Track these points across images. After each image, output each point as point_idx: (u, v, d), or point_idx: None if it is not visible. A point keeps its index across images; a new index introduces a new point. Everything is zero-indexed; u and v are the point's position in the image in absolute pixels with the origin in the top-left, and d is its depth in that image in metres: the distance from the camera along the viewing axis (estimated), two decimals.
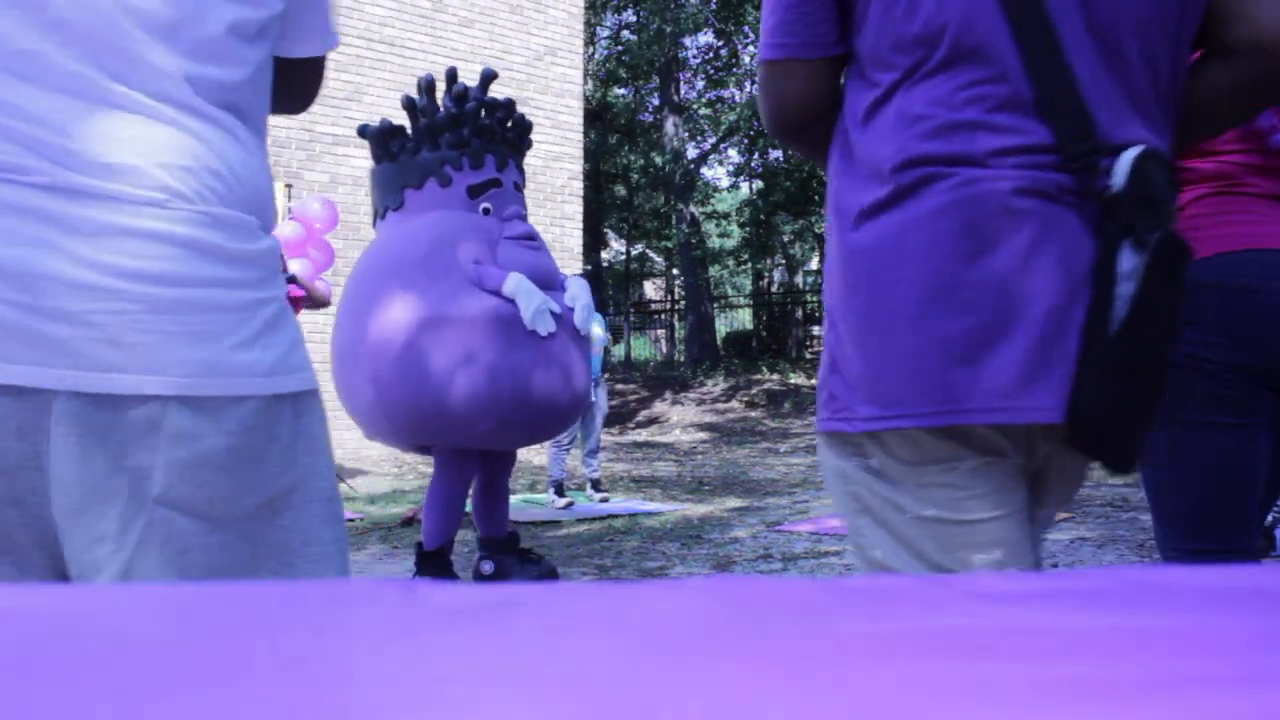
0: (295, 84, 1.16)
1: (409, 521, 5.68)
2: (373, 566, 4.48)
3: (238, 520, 0.93)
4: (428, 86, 3.82)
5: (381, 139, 3.81)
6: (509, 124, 3.93)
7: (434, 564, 3.86)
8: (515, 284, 3.62)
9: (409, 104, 3.81)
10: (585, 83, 14.43)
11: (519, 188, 3.96)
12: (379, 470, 8.86)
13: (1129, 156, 1.05)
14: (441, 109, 3.83)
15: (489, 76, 3.90)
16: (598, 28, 22.45)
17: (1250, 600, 0.39)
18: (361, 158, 9.63)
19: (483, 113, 3.84)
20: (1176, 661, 0.31)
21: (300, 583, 0.41)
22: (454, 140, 3.78)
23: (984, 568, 1.12)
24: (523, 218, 3.91)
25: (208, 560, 0.92)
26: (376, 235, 3.92)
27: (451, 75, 3.85)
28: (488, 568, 3.99)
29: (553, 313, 3.68)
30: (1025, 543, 1.15)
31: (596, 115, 20.57)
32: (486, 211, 3.81)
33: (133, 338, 0.88)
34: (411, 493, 7.25)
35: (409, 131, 3.84)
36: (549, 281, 3.84)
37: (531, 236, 3.87)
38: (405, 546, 4.96)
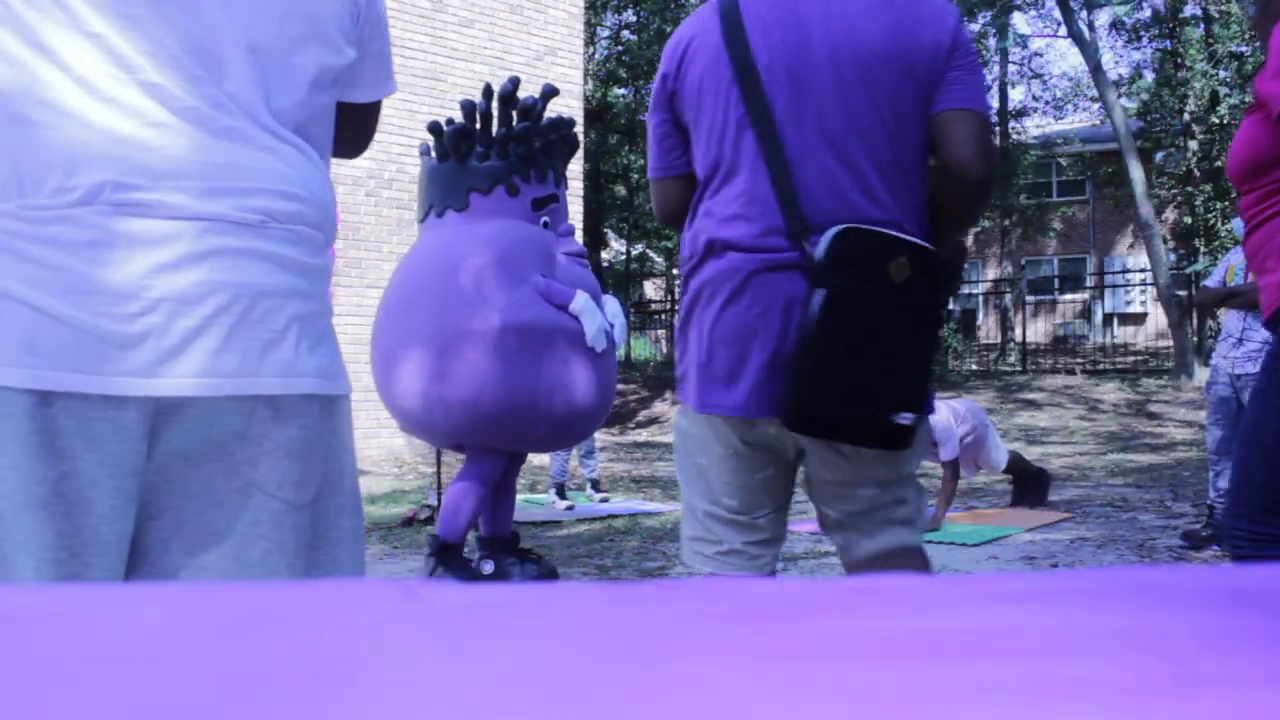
0: (355, 127, 1.29)
1: (409, 521, 5.68)
2: (373, 566, 4.48)
3: (305, 505, 1.07)
4: (504, 95, 3.87)
5: (456, 139, 3.85)
6: (567, 142, 4.01)
7: (455, 559, 3.88)
8: (583, 303, 3.77)
9: (483, 110, 3.84)
10: (585, 83, 14.43)
11: (565, 203, 4.07)
12: (379, 470, 8.86)
13: (829, 234, 1.57)
14: (509, 119, 3.89)
15: (550, 92, 3.96)
16: (598, 28, 22.45)
17: (1250, 600, 0.39)
18: (361, 157, 9.64)
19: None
20: (1176, 661, 0.31)
21: (301, 582, 0.41)
22: (524, 151, 3.84)
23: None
24: (574, 234, 4.03)
25: (282, 538, 1.05)
26: (429, 232, 3.95)
27: (514, 84, 3.90)
28: (488, 568, 3.99)
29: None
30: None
31: (596, 115, 20.57)
32: (545, 225, 3.91)
33: (233, 345, 1.01)
34: (411, 493, 7.25)
35: (476, 135, 3.89)
36: (595, 299, 3.96)
37: (583, 254, 4.02)
38: (405, 546, 4.96)
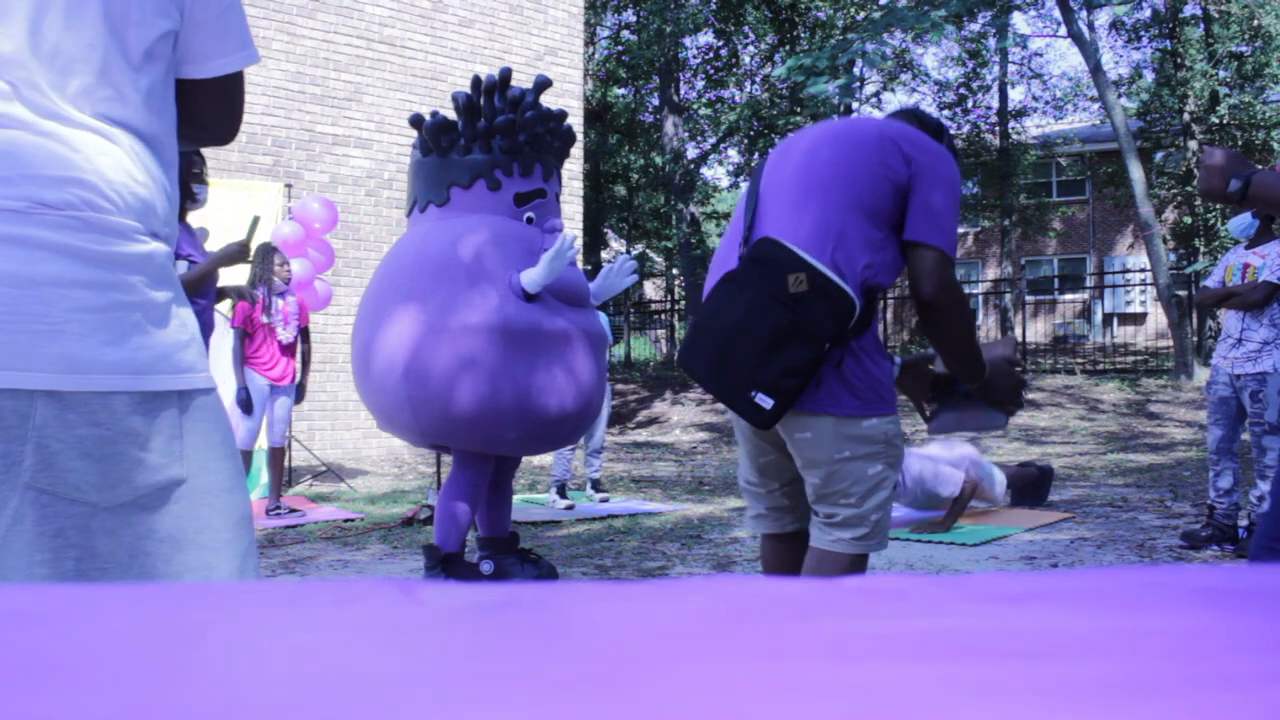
0: (208, 108, 1.17)
1: (409, 521, 5.68)
2: (373, 566, 4.48)
3: (119, 506, 0.98)
4: (488, 87, 3.78)
5: (435, 132, 3.77)
6: (558, 135, 3.92)
7: (459, 566, 3.85)
8: (532, 277, 3.61)
9: (467, 102, 3.76)
10: (585, 83, 14.43)
11: (558, 199, 3.96)
12: (379, 470, 8.86)
13: (753, 241, 1.96)
14: (496, 111, 3.80)
15: (543, 84, 3.88)
16: (598, 28, 22.45)
17: (1250, 600, 0.39)
18: (361, 158, 9.64)
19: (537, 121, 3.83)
20: (1176, 661, 0.31)
21: (301, 582, 0.41)
22: (507, 145, 3.75)
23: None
24: (562, 230, 3.90)
25: (86, 542, 0.97)
26: (413, 226, 3.89)
27: (505, 77, 3.81)
28: (488, 568, 3.98)
29: (575, 329, 3.72)
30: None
31: (596, 115, 20.58)
32: (530, 220, 3.80)
33: None
34: (411, 493, 7.25)
35: (460, 128, 3.81)
36: (579, 297, 3.84)
37: None
38: (405, 546, 4.96)
